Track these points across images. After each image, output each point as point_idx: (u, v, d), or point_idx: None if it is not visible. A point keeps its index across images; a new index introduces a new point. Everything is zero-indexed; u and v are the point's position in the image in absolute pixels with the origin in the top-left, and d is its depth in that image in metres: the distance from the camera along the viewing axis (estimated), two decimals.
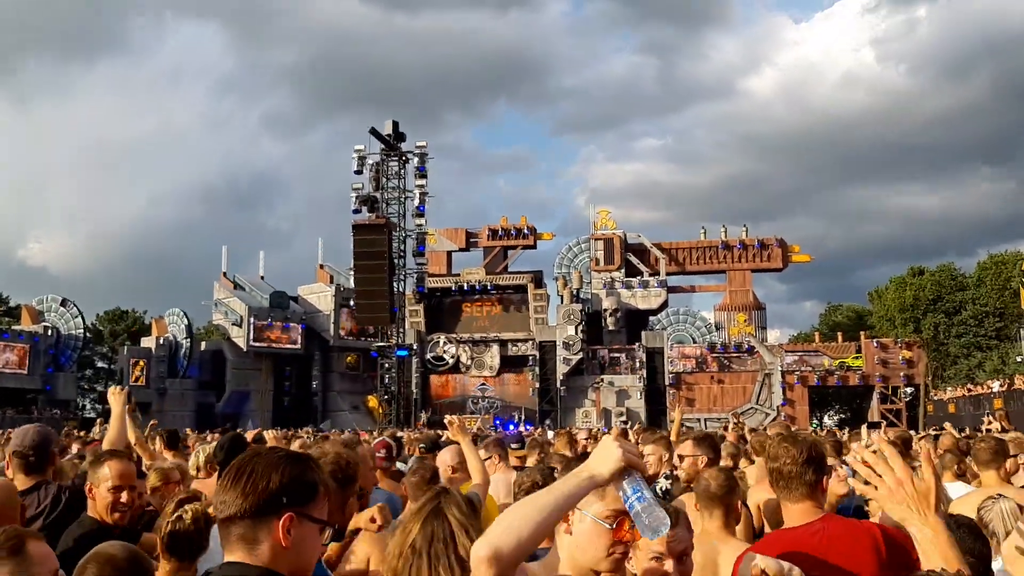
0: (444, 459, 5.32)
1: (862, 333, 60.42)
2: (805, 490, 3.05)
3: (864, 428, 12.02)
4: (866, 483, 2.00)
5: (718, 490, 3.75)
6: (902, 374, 56.35)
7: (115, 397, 5.13)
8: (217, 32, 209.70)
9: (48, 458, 4.08)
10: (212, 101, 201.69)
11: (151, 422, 28.49)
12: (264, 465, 1.83)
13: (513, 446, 8.99)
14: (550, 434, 15.58)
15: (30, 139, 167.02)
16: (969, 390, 50.04)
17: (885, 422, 41.14)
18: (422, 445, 8.83)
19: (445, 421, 6.02)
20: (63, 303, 59.92)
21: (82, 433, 20.56)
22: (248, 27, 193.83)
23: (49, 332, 58.00)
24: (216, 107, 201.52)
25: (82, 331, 60.56)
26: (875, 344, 57.29)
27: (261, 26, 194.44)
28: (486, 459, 5.84)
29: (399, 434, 15.36)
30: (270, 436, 9.66)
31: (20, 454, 4.00)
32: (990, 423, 17.62)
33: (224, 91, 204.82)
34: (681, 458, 4.73)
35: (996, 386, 46.23)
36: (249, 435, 9.14)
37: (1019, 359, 47.70)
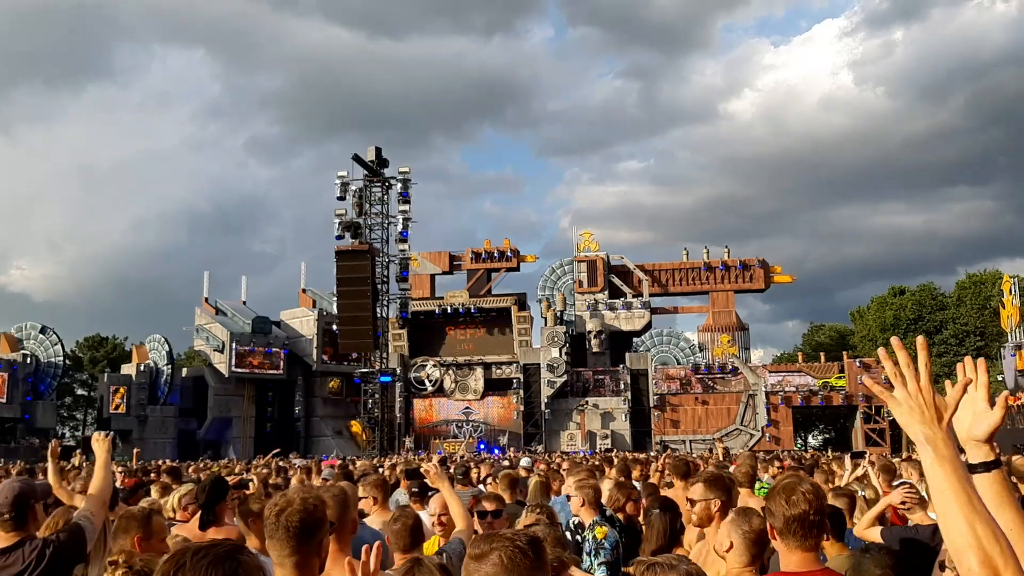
0: (431, 509, 5.28)
1: (844, 353, 60.72)
2: (817, 540, 3.13)
3: (848, 457, 11.99)
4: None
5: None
6: None
7: (99, 444, 4.80)
8: (204, 58, 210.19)
9: (27, 513, 3.97)
10: (198, 126, 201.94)
11: (135, 450, 28.08)
12: (192, 569, 1.88)
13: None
14: (524, 460, 15.04)
15: (15, 166, 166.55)
16: None
17: (868, 451, 41.44)
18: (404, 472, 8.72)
19: (421, 469, 5.91)
20: (42, 330, 59.36)
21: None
22: (234, 53, 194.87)
23: (28, 360, 57.37)
24: (202, 132, 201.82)
25: (62, 358, 59.96)
26: (858, 364, 57.51)
27: (247, 52, 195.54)
28: (362, 498, 5.76)
29: (352, 465, 15.06)
30: (256, 476, 9.53)
31: None
32: None
33: (210, 116, 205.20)
34: (692, 502, 4.44)
35: None
36: (232, 480, 8.97)
37: (999, 378, 47.98)
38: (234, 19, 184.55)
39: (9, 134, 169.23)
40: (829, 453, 32.22)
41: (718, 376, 58.88)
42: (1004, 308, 49.36)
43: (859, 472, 8.52)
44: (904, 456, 19.46)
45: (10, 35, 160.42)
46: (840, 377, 57.48)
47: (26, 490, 3.94)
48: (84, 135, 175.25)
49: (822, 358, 60.28)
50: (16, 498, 3.87)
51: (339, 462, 17.86)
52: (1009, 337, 47.89)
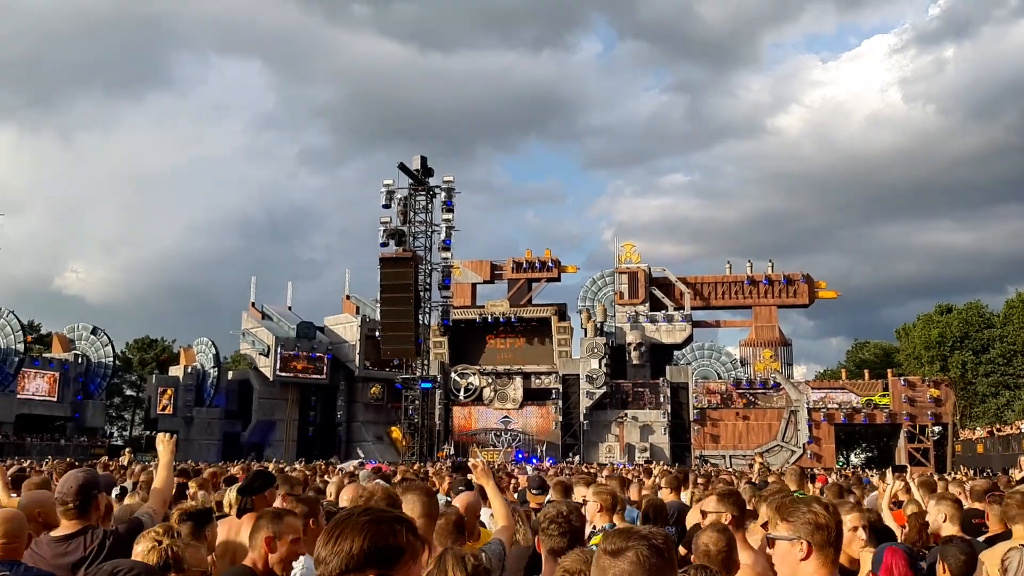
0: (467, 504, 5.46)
1: (889, 371, 59.82)
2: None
3: (889, 471, 12.04)
4: None
5: (717, 554, 3.80)
6: (930, 412, 55.71)
7: (164, 445, 5.06)
8: (260, 70, 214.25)
9: (91, 503, 4.24)
10: (252, 136, 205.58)
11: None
12: (351, 527, 1.96)
13: (534, 491, 9.06)
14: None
15: (73, 171, 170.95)
16: (998, 429, 49.37)
17: (909, 468, 40.82)
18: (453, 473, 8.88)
19: (470, 464, 6.00)
20: (93, 331, 60.81)
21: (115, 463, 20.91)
22: (289, 65, 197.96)
23: (79, 360, 58.84)
24: (256, 142, 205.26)
25: (111, 359, 61.36)
26: (902, 382, 56.71)
27: (301, 64, 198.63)
28: None
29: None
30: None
31: (61, 501, 4.22)
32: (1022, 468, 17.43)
33: (264, 126, 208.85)
34: (704, 514, 4.59)
35: None
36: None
37: None
38: (289, 32, 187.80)
39: (68, 140, 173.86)
40: (873, 470, 31.75)
41: (760, 391, 58.40)
42: None
43: (899, 485, 8.61)
44: (951, 477, 19.30)
45: (73, 44, 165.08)
46: (884, 395, 56.67)
47: (90, 480, 4.24)
48: (140, 142, 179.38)
49: (866, 375, 59.45)
50: (80, 487, 4.15)
51: (379, 467, 18.21)
52: None
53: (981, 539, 5.43)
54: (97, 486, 4.25)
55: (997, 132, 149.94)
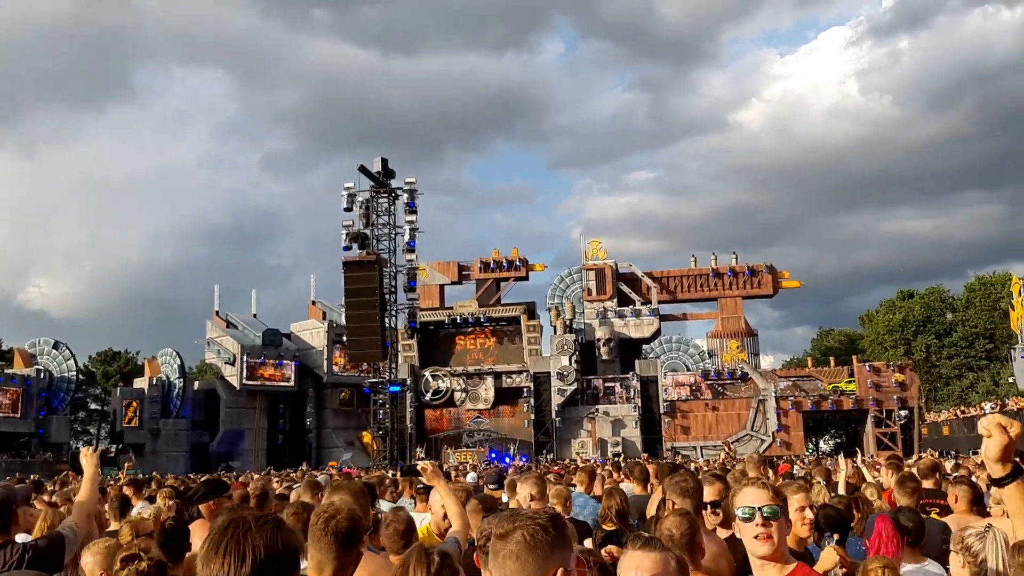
0: (432, 506, 5.45)
1: (854, 357, 60.57)
2: None
3: (840, 456, 12.21)
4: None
5: (681, 537, 3.78)
6: (895, 397, 56.44)
7: (88, 459, 4.93)
8: (221, 78, 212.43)
9: (10, 517, 4.14)
10: (215, 144, 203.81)
11: (126, 464, 28.07)
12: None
13: (491, 486, 9.03)
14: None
15: (35, 184, 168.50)
16: (962, 411, 50.13)
17: (877, 449, 41.35)
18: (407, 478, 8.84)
19: (419, 467, 5.97)
20: (55, 345, 59.86)
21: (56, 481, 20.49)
22: (250, 72, 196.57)
23: (42, 375, 57.87)
24: (219, 150, 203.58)
25: (74, 373, 60.45)
26: (868, 368, 57.40)
27: (262, 71, 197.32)
28: None
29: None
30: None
31: None
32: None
33: (227, 134, 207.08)
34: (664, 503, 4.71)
35: (988, 407, 46.32)
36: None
37: (1010, 380, 47.78)
38: (250, 39, 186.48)
39: (29, 153, 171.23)
40: (840, 457, 32.07)
41: (728, 382, 58.86)
42: (1014, 310, 49.17)
43: (850, 471, 8.69)
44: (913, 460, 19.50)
45: (34, 57, 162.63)
46: (850, 381, 57.35)
47: (8, 496, 4.13)
48: (103, 154, 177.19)
49: (832, 363, 60.15)
50: None
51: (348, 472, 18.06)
52: (1019, 339, 47.67)
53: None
54: (14, 500, 4.15)
55: (954, 120, 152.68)
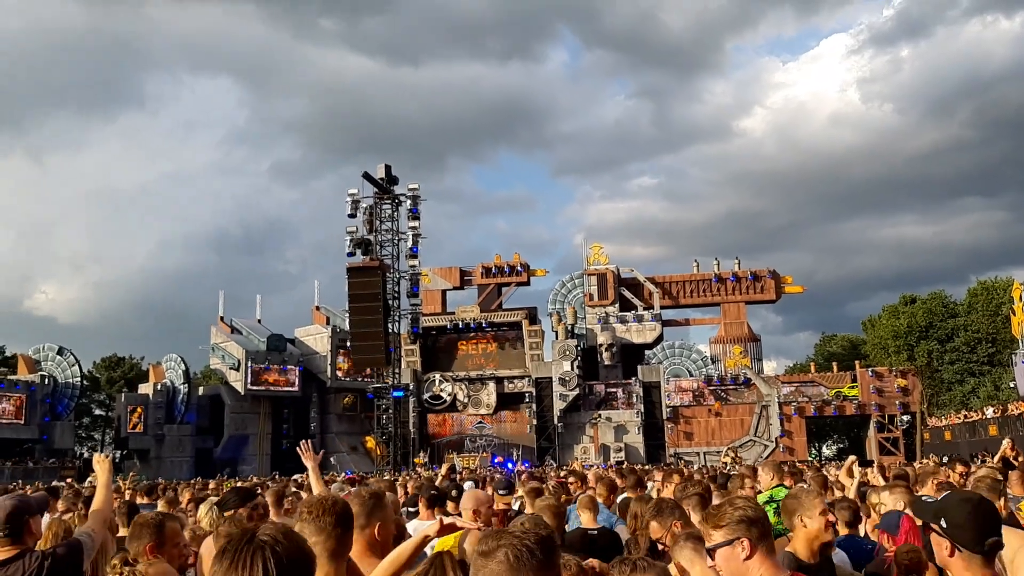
0: (464, 504, 5.44)
1: (857, 362, 60.56)
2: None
3: (831, 464, 12.25)
4: None
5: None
6: (898, 402, 56.45)
7: (100, 465, 5.05)
8: (230, 87, 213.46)
9: (24, 527, 4.25)
10: (224, 152, 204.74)
11: (131, 472, 28.24)
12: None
13: (501, 492, 9.13)
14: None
15: (44, 191, 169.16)
16: (965, 416, 50.17)
17: (879, 455, 41.35)
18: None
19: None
20: (59, 351, 60.05)
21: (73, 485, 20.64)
22: (258, 82, 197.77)
23: (46, 381, 58.05)
24: (228, 158, 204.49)
25: (79, 379, 60.59)
26: (870, 373, 57.41)
27: (271, 80, 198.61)
28: None
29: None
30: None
31: None
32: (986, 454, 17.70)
33: (236, 142, 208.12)
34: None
35: (990, 412, 46.39)
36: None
37: (1012, 385, 47.81)
38: (259, 49, 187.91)
39: (38, 160, 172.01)
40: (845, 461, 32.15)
41: (731, 387, 58.84)
42: (1015, 315, 49.22)
43: (843, 476, 8.78)
44: (918, 465, 19.57)
45: (45, 66, 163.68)
46: (853, 387, 57.35)
47: (20, 505, 4.24)
48: (112, 161, 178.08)
49: (834, 368, 60.16)
50: (10, 515, 4.15)
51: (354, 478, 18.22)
52: (1021, 344, 47.72)
53: None
54: (29, 510, 4.26)
55: (954, 128, 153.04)
